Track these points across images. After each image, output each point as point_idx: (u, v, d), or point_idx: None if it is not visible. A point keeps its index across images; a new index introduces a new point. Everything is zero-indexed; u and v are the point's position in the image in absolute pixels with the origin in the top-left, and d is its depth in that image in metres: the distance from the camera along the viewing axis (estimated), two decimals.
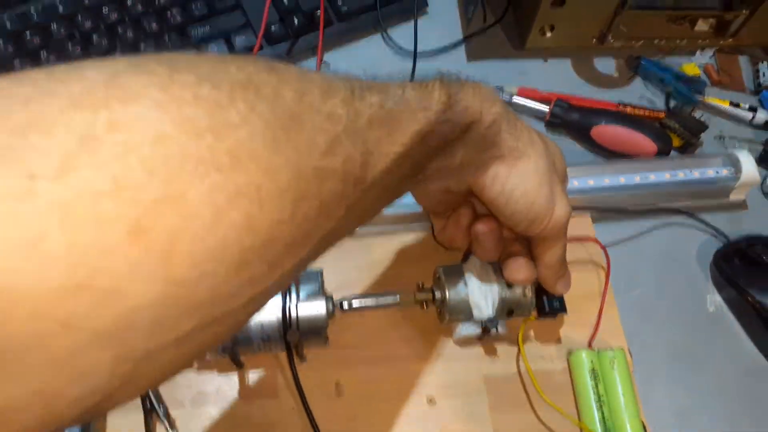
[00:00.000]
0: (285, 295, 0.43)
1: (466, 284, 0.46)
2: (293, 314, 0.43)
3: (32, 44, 0.55)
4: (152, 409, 0.44)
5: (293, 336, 0.42)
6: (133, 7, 0.57)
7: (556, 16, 0.58)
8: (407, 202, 0.50)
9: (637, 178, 0.54)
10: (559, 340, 0.50)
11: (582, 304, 0.50)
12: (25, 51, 0.54)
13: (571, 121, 0.58)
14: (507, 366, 0.48)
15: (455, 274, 0.46)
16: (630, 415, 0.45)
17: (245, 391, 0.47)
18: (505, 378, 0.48)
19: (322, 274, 0.46)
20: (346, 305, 0.46)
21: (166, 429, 0.44)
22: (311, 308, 0.44)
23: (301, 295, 0.44)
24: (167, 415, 0.44)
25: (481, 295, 0.45)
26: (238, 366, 0.46)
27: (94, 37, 0.56)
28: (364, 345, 0.49)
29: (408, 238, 0.53)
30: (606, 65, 0.63)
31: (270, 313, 0.44)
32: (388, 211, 0.50)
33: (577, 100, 0.59)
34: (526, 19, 0.60)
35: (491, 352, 0.49)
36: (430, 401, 0.47)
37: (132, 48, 0.56)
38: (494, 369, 0.48)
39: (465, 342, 0.49)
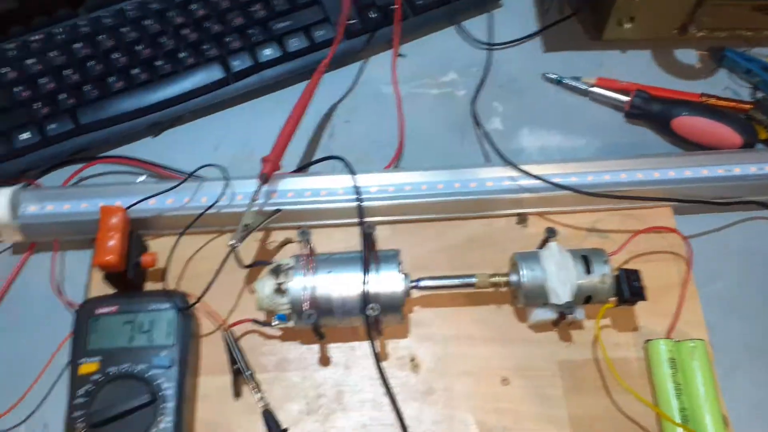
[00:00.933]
0: (365, 272, 0.45)
1: (543, 270, 0.46)
2: (373, 291, 0.45)
3: (129, 37, 0.59)
4: (240, 372, 0.47)
5: (373, 310, 0.44)
6: (219, 3, 0.60)
7: (635, 7, 0.58)
8: (481, 190, 0.52)
9: (720, 171, 0.53)
10: (635, 329, 0.49)
11: (661, 295, 0.49)
12: (124, 45, 0.59)
13: (651, 111, 0.57)
14: (582, 351, 0.49)
15: (532, 259, 0.47)
16: (710, 406, 0.45)
17: (325, 360, 0.49)
18: (580, 363, 0.48)
19: (399, 254, 0.48)
20: (423, 284, 0.48)
21: (252, 389, 0.47)
22: (389, 286, 0.46)
23: (381, 273, 0.46)
24: (253, 377, 0.47)
25: (558, 280, 0.46)
26: (320, 337, 0.48)
27: (184, 31, 0.60)
28: (439, 324, 0.50)
29: (479, 224, 0.54)
30: (687, 56, 0.62)
31: (351, 289, 0.46)
32: (461, 197, 0.52)
33: (658, 91, 0.59)
34: (603, 10, 0.60)
35: (566, 337, 0.49)
36: (504, 381, 0.48)
37: (218, 40, 0.60)
38: (569, 354, 0.49)
39: (539, 327, 0.49)
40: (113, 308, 0.47)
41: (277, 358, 0.49)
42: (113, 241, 0.47)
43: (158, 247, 0.52)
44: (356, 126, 0.60)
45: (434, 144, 0.59)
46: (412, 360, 0.49)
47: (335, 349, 0.50)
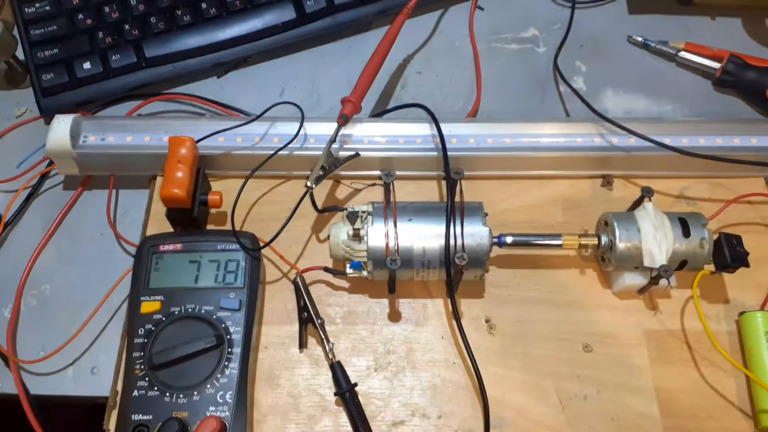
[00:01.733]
0: (448, 222, 0.43)
1: (639, 230, 0.43)
2: (458, 242, 0.43)
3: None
4: (308, 321, 0.45)
5: (461, 260, 0.41)
6: None
7: None
8: (568, 146, 0.49)
9: None
10: (726, 301, 0.46)
11: (753, 267, 0.46)
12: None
13: (745, 79, 0.54)
14: (669, 321, 0.46)
15: (627, 219, 0.44)
16: None
17: (395, 316, 0.46)
18: (667, 333, 0.45)
19: (483, 206, 0.45)
20: (509, 240, 0.45)
21: (322, 339, 0.44)
22: (475, 237, 0.43)
23: (465, 224, 0.43)
24: (323, 327, 0.44)
25: (655, 242, 0.43)
26: (391, 291, 0.45)
27: None
28: (516, 286, 0.47)
29: (561, 184, 0.51)
30: None
31: (433, 239, 0.43)
32: (546, 152, 0.49)
33: (751, 59, 0.55)
34: None
35: (652, 306, 0.46)
36: (586, 348, 0.45)
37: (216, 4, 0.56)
38: (655, 323, 0.46)
39: (625, 294, 0.47)
40: (178, 245, 0.44)
41: (344, 310, 0.47)
42: (181, 174, 0.45)
43: (222, 188, 0.49)
44: (429, 78, 0.57)
45: (513, 100, 0.56)
46: (488, 321, 0.46)
47: (406, 305, 0.47)
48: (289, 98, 0.55)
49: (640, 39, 0.58)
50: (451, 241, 0.42)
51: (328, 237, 0.45)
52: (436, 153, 0.49)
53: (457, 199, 0.44)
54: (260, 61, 0.58)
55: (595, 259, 0.48)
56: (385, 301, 0.47)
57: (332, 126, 0.48)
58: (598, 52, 0.58)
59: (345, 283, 0.48)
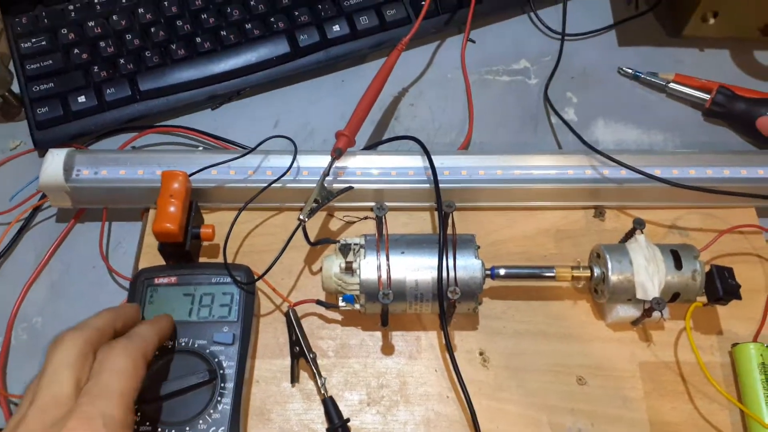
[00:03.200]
0: (441, 255, 0.43)
1: (631, 263, 0.43)
2: (451, 274, 0.43)
3: (195, 5, 0.57)
4: (300, 355, 0.44)
5: (454, 294, 0.41)
6: None
7: (722, 1, 0.55)
8: (559, 178, 0.49)
9: None
10: (720, 332, 0.46)
11: (745, 298, 0.46)
12: (189, 12, 0.57)
13: (734, 109, 0.55)
14: (663, 353, 0.46)
15: (618, 251, 0.44)
16: None
17: (388, 349, 0.46)
18: (662, 365, 0.45)
19: (475, 238, 0.45)
20: (502, 272, 0.45)
21: (314, 374, 0.44)
22: (467, 270, 0.43)
23: (458, 257, 0.43)
24: (314, 361, 0.44)
25: (647, 275, 0.43)
26: (384, 324, 0.45)
27: (252, 1, 0.57)
28: (510, 318, 0.47)
29: (553, 215, 0.51)
30: None
31: (425, 271, 0.43)
32: (537, 185, 0.49)
33: (740, 90, 0.56)
34: (686, 5, 0.58)
35: (645, 338, 0.46)
36: (580, 380, 0.45)
37: (287, 13, 0.57)
38: (649, 355, 0.46)
39: (618, 326, 0.46)
40: (173, 279, 0.44)
41: (337, 343, 0.47)
42: (174, 208, 0.45)
43: (215, 220, 0.49)
44: (421, 110, 0.58)
45: (505, 132, 0.56)
46: (481, 354, 0.46)
47: (399, 338, 0.47)
48: (283, 130, 0.56)
49: (630, 70, 0.59)
50: (444, 274, 0.42)
51: (321, 270, 0.46)
52: (428, 185, 0.49)
53: (449, 232, 0.44)
54: (254, 94, 0.58)
55: (588, 290, 0.48)
56: (378, 334, 0.47)
57: (325, 159, 0.48)
58: (588, 84, 0.59)
59: (338, 316, 0.47)
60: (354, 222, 0.50)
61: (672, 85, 0.57)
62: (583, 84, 0.59)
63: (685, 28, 0.58)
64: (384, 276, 0.43)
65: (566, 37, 0.61)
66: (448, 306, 0.43)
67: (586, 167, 0.49)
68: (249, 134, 0.55)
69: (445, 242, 0.43)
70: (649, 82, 0.58)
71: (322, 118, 0.57)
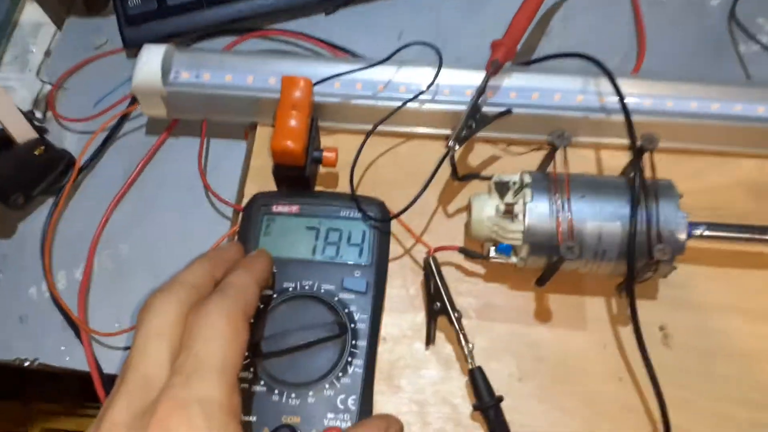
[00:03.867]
0: (636, 205, 0.33)
1: None
2: (653, 229, 0.33)
3: None
4: (442, 311, 0.36)
5: (663, 254, 0.32)
6: None
7: None
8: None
9: None
10: None
11: None
12: None
13: None
14: None
15: None
16: None
17: (543, 314, 0.38)
18: None
19: (674, 185, 0.35)
20: (701, 231, 0.35)
21: (457, 337, 0.35)
22: (668, 224, 0.34)
23: (656, 207, 0.34)
24: (459, 321, 0.36)
25: None
26: (541, 284, 0.36)
27: None
28: (701, 288, 0.38)
29: (752, 164, 0.41)
30: None
31: (612, 224, 0.34)
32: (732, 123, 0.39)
33: None
34: None
35: None
36: None
37: None
38: None
39: None
40: (294, 207, 0.36)
41: (480, 302, 0.38)
42: (296, 122, 0.36)
43: (332, 144, 0.40)
44: (575, 29, 0.48)
45: (679, 61, 0.46)
46: (662, 329, 0.37)
47: (557, 302, 0.38)
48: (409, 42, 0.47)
49: None
50: (645, 226, 0.33)
51: (467, 211, 0.37)
52: (603, 114, 0.39)
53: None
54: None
55: None
56: (531, 295, 0.38)
57: (470, 75, 0.40)
58: None
59: (480, 269, 0.39)
60: (523, 154, 0.41)
61: None
62: None
63: None
64: (565, 225, 0.34)
65: None
66: (642, 268, 0.34)
67: None
68: (369, 45, 0.46)
69: (642, 187, 0.34)
70: None
71: (454, 32, 0.47)
